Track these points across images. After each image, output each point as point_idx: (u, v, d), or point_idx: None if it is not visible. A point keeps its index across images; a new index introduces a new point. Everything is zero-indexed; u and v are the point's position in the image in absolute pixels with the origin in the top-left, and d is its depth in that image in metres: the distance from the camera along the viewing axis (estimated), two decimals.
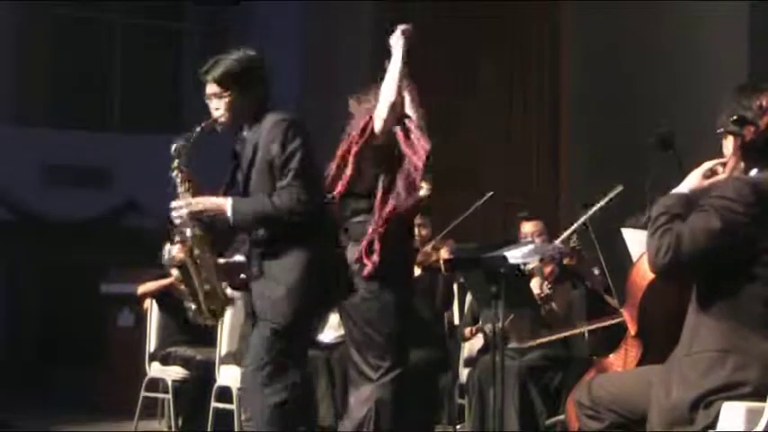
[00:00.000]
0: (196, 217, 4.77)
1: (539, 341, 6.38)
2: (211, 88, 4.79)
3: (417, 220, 7.15)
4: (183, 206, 4.77)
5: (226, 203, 4.72)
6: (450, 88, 10.89)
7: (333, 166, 5.31)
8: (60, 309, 11.04)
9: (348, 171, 5.26)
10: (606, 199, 6.47)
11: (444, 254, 7.42)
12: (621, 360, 4.04)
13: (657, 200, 6.10)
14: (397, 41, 5.36)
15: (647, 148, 5.76)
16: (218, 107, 4.80)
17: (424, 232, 7.45)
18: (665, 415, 3.46)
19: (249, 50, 4.87)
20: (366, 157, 5.27)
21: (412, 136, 5.25)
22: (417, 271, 7.21)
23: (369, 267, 5.18)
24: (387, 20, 11.14)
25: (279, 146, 4.64)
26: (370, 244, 5.20)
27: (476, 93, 10.74)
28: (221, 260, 4.91)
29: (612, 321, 5.16)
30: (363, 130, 5.28)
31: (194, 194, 4.79)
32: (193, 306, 4.86)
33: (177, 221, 4.77)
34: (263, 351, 4.70)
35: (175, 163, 4.80)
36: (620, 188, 6.42)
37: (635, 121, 9.23)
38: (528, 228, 7.02)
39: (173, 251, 4.85)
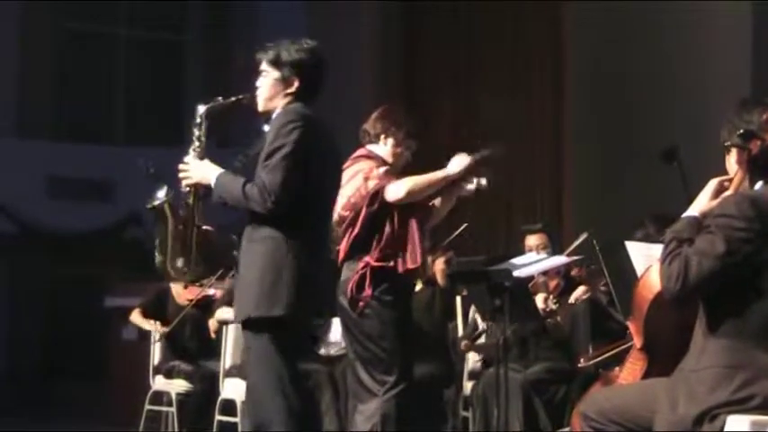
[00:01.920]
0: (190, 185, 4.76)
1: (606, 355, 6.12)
2: (262, 66, 4.76)
3: None
4: (183, 171, 4.75)
5: (213, 175, 4.67)
6: (450, 89, 10.91)
7: (342, 216, 5.35)
8: (64, 322, 11.05)
9: (355, 231, 5.31)
10: (574, 245, 6.50)
11: (440, 265, 7.42)
12: (627, 373, 4.04)
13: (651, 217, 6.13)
14: (461, 161, 5.41)
15: (651, 157, 5.77)
16: (259, 85, 4.77)
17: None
18: (671, 429, 3.46)
19: (313, 44, 4.81)
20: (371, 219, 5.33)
21: (414, 238, 5.32)
22: (419, 285, 7.23)
23: (361, 305, 5.23)
24: (390, 21, 11.26)
25: (272, 138, 4.58)
26: (362, 278, 5.24)
27: (475, 94, 10.75)
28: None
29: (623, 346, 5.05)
30: (374, 195, 5.31)
31: (200, 157, 4.75)
32: (158, 256, 4.86)
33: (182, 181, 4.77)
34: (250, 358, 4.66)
35: (198, 120, 4.78)
36: (585, 235, 6.43)
37: (637, 125, 9.24)
38: (532, 240, 7.01)
39: (160, 194, 4.86)
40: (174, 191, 4.89)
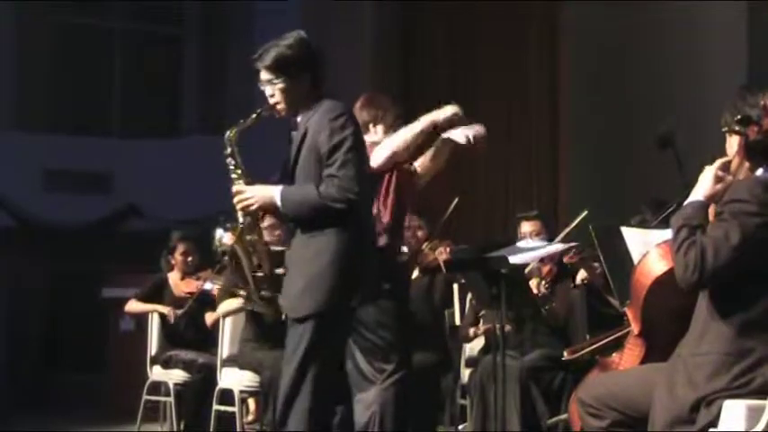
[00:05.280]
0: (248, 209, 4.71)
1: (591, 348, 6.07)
2: (264, 75, 4.72)
3: (414, 222, 7.17)
4: (238, 198, 4.69)
5: (275, 194, 4.62)
6: (448, 89, 10.90)
7: None
8: (62, 314, 11.06)
9: None
10: (573, 224, 6.50)
11: (442, 255, 7.43)
12: (625, 359, 4.05)
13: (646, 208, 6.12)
14: (444, 111, 5.33)
15: (647, 148, 5.77)
16: (272, 94, 4.72)
17: (420, 234, 7.46)
18: (668, 414, 3.46)
19: (301, 34, 4.74)
20: None
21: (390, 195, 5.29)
22: (415, 273, 7.24)
23: None
24: (387, 20, 11.25)
25: (327, 135, 4.54)
26: None
27: (475, 94, 10.75)
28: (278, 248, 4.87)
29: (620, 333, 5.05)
30: None
31: (246, 182, 4.71)
32: (244, 293, 4.80)
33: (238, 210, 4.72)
34: (291, 351, 4.56)
35: (228, 150, 4.73)
36: (585, 213, 6.43)
37: (635, 122, 9.24)
38: (527, 227, 7.02)
39: (223, 238, 4.80)
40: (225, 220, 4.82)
